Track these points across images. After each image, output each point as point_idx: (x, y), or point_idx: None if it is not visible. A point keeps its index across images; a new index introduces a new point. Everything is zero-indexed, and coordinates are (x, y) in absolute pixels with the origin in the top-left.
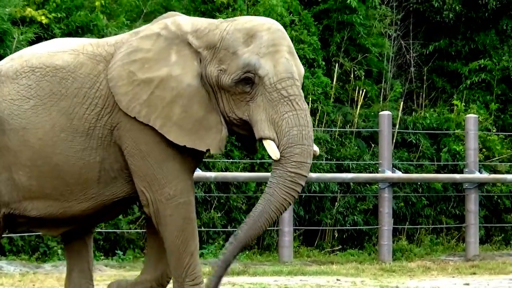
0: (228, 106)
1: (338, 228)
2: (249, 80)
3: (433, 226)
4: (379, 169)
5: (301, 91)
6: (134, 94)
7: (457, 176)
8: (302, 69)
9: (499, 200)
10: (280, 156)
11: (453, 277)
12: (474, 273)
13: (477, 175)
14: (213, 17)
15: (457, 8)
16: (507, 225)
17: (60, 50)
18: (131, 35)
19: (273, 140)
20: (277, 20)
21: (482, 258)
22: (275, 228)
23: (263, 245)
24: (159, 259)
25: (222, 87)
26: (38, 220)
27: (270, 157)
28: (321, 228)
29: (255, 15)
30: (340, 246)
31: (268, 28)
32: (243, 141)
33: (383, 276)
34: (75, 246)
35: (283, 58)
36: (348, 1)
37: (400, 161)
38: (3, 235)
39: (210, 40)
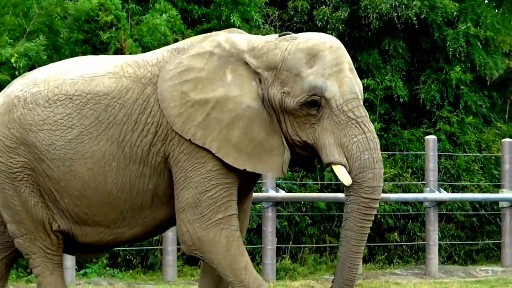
0: (291, 128)
1: None
2: (315, 103)
3: (316, 245)
4: (263, 189)
5: (366, 111)
6: (188, 115)
7: (340, 195)
8: (361, 84)
9: (382, 219)
10: (352, 181)
11: None
12: None
13: None
14: (97, 36)
15: (340, 27)
16: (390, 244)
17: (97, 74)
18: (172, 52)
19: (344, 166)
20: (160, 39)
21: (366, 277)
22: (158, 247)
23: (147, 264)
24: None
25: (286, 109)
26: (85, 245)
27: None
28: None
29: (139, 35)
30: None
31: (330, 46)
32: (301, 160)
33: None
34: None
35: (346, 78)
36: (232, 21)
37: (284, 180)
38: None
39: (271, 60)
